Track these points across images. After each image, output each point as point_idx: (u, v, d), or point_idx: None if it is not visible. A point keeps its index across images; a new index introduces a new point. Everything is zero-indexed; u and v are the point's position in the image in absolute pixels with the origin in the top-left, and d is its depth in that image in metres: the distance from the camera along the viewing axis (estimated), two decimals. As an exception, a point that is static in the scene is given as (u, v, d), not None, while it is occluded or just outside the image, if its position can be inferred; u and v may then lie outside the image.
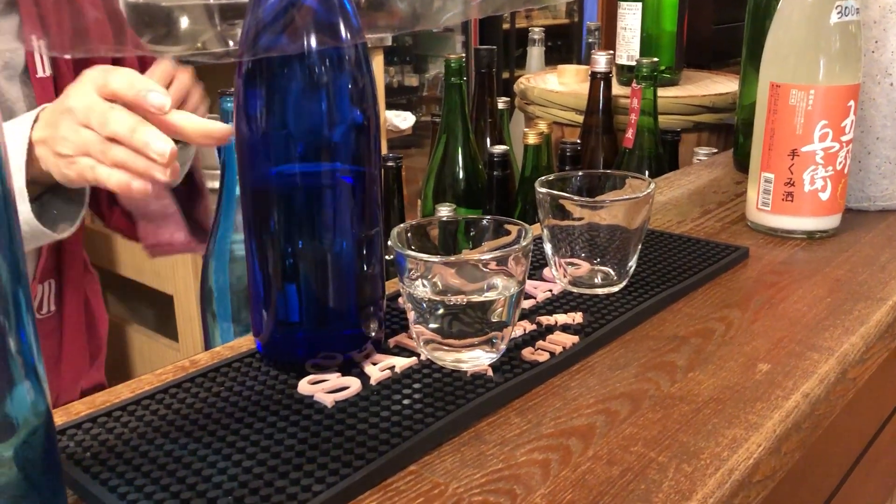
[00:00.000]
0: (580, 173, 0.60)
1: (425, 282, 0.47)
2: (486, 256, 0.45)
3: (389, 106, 2.46)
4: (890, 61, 0.72)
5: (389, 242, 0.47)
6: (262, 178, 0.45)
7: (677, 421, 0.43)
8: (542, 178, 0.58)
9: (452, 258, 0.46)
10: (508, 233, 0.50)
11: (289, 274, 0.46)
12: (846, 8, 0.64)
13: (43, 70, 0.79)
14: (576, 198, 0.55)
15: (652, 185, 0.56)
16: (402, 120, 2.25)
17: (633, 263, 0.58)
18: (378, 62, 2.10)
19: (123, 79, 0.56)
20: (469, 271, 0.46)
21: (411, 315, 0.47)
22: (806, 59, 0.66)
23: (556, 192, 0.56)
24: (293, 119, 0.43)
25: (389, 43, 2.10)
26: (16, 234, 0.30)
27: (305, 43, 0.40)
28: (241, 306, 0.82)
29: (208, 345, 0.84)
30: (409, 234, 0.49)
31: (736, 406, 0.44)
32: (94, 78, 0.57)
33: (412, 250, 0.47)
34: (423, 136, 2.95)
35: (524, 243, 0.46)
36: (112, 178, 0.57)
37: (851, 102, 0.66)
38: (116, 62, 0.87)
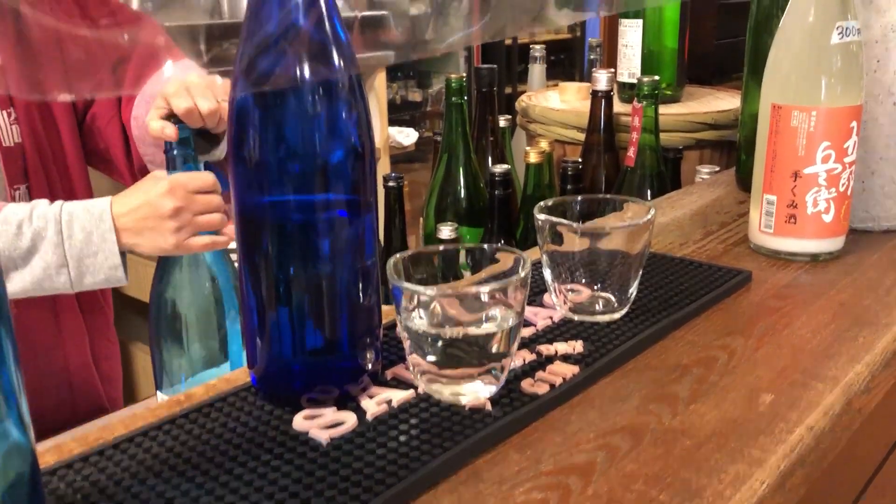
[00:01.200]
0: (579, 198, 0.60)
1: (422, 313, 0.46)
2: (484, 288, 0.45)
3: (392, 122, 2.46)
4: (892, 81, 0.71)
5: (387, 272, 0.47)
6: (255, 207, 0.44)
7: (679, 457, 0.42)
8: (541, 203, 0.58)
9: (449, 290, 0.46)
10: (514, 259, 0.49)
11: (283, 306, 0.45)
12: (847, 28, 0.64)
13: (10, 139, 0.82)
14: (574, 224, 0.54)
15: (652, 212, 0.55)
16: (405, 136, 2.25)
17: (633, 290, 0.57)
18: (381, 79, 2.10)
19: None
20: (467, 302, 0.46)
21: (408, 347, 0.47)
22: (807, 80, 0.65)
23: (554, 218, 0.55)
24: (286, 149, 0.42)
25: (392, 60, 2.10)
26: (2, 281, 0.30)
27: (299, 74, 0.40)
28: (208, 329, 0.79)
29: (161, 382, 0.80)
30: (405, 264, 0.48)
31: (739, 440, 0.43)
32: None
33: (409, 282, 0.47)
34: (426, 151, 2.96)
35: (522, 274, 0.45)
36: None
37: (854, 123, 0.65)
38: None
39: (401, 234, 1.14)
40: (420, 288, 0.45)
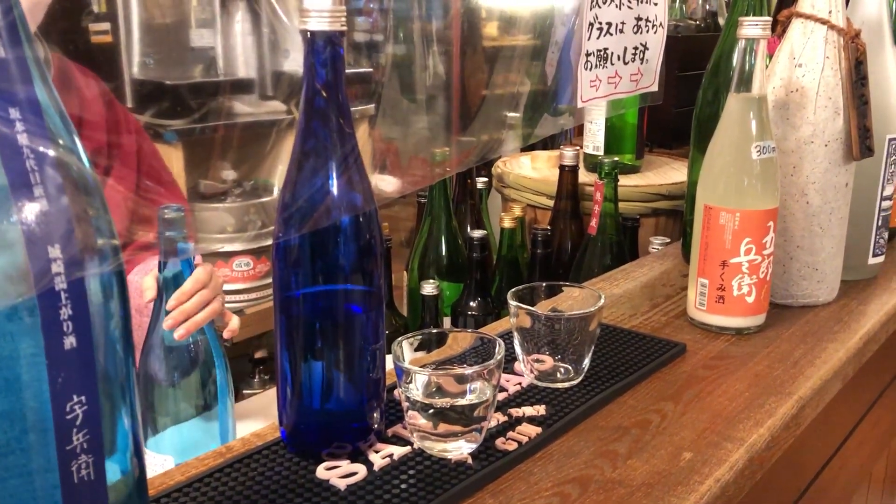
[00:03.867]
0: (544, 285, 0.73)
1: (419, 385, 0.59)
2: (468, 371, 0.57)
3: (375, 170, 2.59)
4: (805, 184, 0.86)
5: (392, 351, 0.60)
6: (291, 304, 0.57)
7: (615, 502, 0.54)
8: (513, 289, 0.71)
9: (441, 372, 0.58)
10: (490, 342, 0.62)
11: (309, 378, 0.58)
12: (764, 147, 0.78)
13: None
14: (539, 312, 0.68)
15: (601, 301, 0.68)
16: (387, 184, 2.39)
17: (587, 361, 0.70)
18: (363, 130, 2.23)
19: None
20: (455, 379, 0.58)
21: (407, 411, 0.59)
22: (732, 186, 0.79)
23: (523, 305, 0.68)
24: (319, 266, 0.55)
25: (374, 113, 2.24)
26: (131, 337, 0.40)
27: (332, 219, 0.53)
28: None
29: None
30: (406, 346, 0.61)
31: (662, 489, 0.56)
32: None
33: (410, 363, 0.59)
34: (405, 190, 3.11)
35: (499, 357, 0.58)
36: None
37: (771, 223, 0.79)
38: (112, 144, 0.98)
39: (388, 287, 1.27)
40: (417, 368, 0.58)
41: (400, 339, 0.60)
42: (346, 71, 0.75)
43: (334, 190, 0.53)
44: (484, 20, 0.99)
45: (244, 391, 2.18)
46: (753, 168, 0.78)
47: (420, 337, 0.62)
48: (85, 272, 0.35)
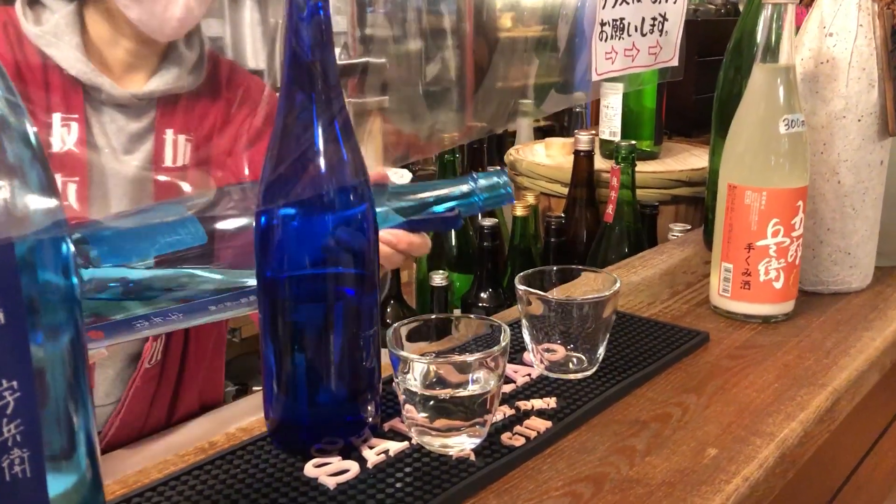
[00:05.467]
0: (555, 269, 0.68)
1: (416, 376, 0.54)
2: (470, 358, 0.52)
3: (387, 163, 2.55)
4: (836, 162, 0.80)
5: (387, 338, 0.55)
6: (275, 286, 0.52)
7: (633, 503, 0.49)
8: (522, 273, 0.66)
9: (440, 359, 0.53)
10: (494, 328, 0.57)
11: (298, 369, 0.53)
12: (793, 120, 0.72)
13: (174, 161, 0.85)
14: (549, 297, 0.62)
15: (616, 285, 0.63)
16: (399, 177, 2.35)
17: (602, 351, 0.65)
18: (376, 124, 2.19)
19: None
20: (455, 367, 0.53)
21: (404, 404, 0.54)
22: (759, 163, 0.74)
23: (532, 289, 0.63)
24: (304, 244, 0.50)
25: (387, 105, 2.20)
26: (81, 322, 0.36)
27: (317, 191, 0.48)
28: None
29: None
30: (402, 332, 0.56)
31: (684, 489, 0.51)
32: None
33: (406, 350, 0.54)
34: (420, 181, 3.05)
35: (503, 344, 0.53)
36: None
37: (800, 202, 0.74)
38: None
39: (397, 280, 1.22)
40: (415, 357, 0.53)
41: (396, 324, 0.55)
42: (354, 62, 0.69)
43: (320, 160, 0.48)
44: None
45: (254, 388, 2.14)
46: (781, 143, 0.73)
47: (418, 323, 0.57)
48: (13, 238, 0.30)
